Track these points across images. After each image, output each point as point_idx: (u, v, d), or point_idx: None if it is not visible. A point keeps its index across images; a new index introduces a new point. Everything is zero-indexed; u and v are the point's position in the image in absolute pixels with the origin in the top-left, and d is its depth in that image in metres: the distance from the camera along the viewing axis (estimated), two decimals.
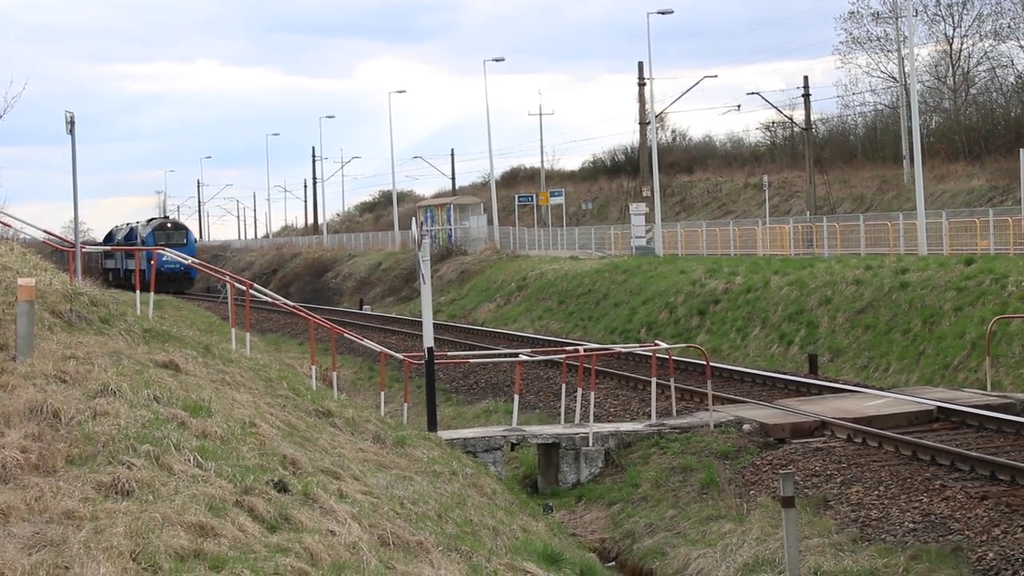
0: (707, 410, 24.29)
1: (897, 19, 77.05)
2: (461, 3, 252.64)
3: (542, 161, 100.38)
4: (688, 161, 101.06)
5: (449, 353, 34.08)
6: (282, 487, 11.07)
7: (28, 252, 25.04)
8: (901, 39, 76.76)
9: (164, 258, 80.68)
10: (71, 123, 23.38)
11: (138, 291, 24.94)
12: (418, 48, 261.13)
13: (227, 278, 29.04)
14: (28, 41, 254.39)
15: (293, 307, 27.95)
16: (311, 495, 11.22)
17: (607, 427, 24.29)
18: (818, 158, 74.42)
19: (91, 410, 11.62)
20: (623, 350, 32.41)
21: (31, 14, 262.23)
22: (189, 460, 10.87)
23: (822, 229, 54.39)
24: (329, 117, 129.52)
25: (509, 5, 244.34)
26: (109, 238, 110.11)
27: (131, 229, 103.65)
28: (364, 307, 69.10)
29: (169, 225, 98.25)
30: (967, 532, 16.33)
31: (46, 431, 10.81)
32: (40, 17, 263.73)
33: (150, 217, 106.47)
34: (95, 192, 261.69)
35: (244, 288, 26.46)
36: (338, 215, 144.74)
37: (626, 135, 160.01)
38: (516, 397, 24.83)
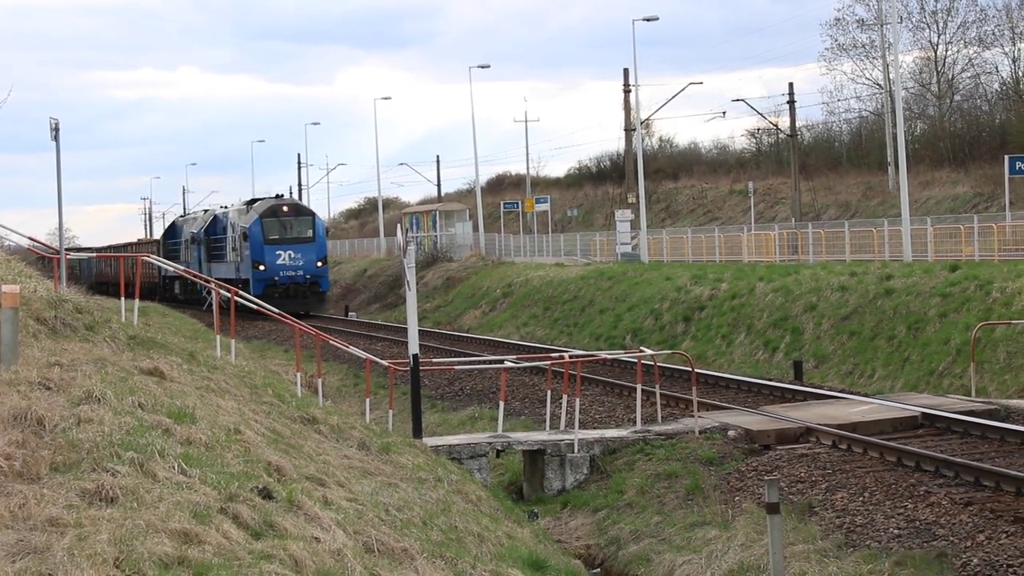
0: (692, 416, 24.28)
1: (882, 26, 77.33)
2: (442, 11, 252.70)
3: (527, 168, 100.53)
4: (673, 168, 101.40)
5: (434, 360, 34.05)
6: (267, 494, 11.06)
7: (13, 259, 25.02)
8: (886, 46, 77.03)
9: (279, 261, 60.97)
10: (56, 130, 23.30)
11: (123, 298, 24.87)
12: (400, 55, 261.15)
13: (212, 284, 28.98)
14: (11, 48, 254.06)
15: (278, 314, 27.89)
16: (296, 502, 11.21)
17: (592, 434, 24.27)
18: (803, 164, 74.65)
19: (75, 417, 11.59)
20: (608, 357, 32.35)
21: (14, 21, 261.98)
22: (173, 467, 10.85)
23: (807, 235, 54.51)
24: (314, 124, 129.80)
25: (490, 13, 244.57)
26: (171, 233, 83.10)
27: (215, 218, 71.46)
28: (350, 314, 68.82)
29: (286, 209, 63.76)
30: (952, 538, 16.35)
31: (30, 438, 10.78)
32: (23, 24, 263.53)
33: (251, 198, 71.06)
34: (80, 199, 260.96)
35: (229, 295, 26.42)
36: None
37: (611, 142, 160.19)
38: (501, 404, 24.81)
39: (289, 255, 61.41)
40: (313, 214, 65.18)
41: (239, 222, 64.74)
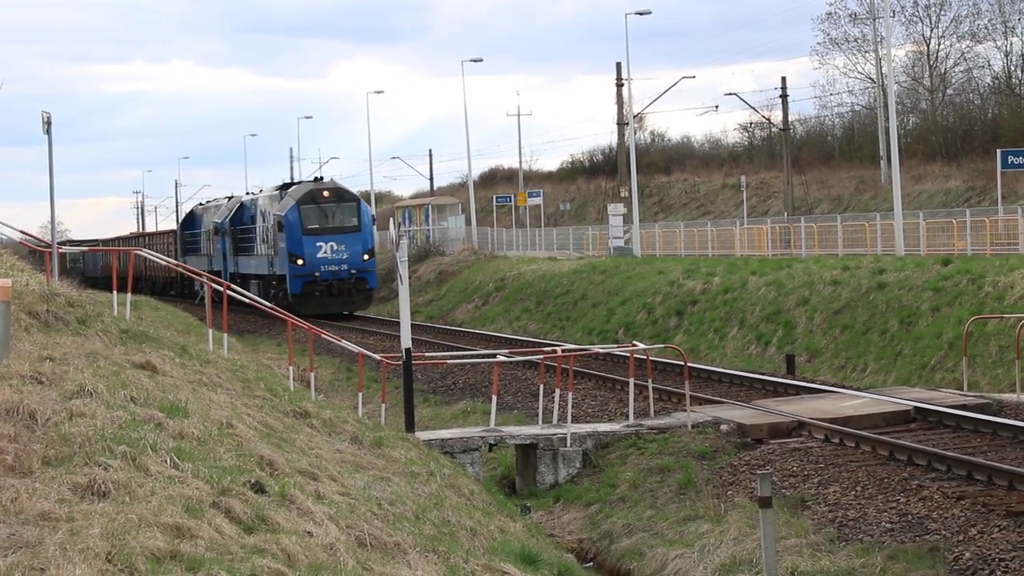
0: (685, 410, 24.29)
1: (874, 20, 77.24)
2: (433, 4, 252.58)
3: (520, 162, 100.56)
4: (666, 162, 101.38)
5: (427, 354, 34.05)
6: (259, 488, 11.04)
7: (5, 252, 25.00)
8: (878, 40, 76.99)
9: (319, 254, 53.61)
10: (48, 123, 23.30)
11: (115, 291, 24.82)
12: (392, 49, 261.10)
13: (204, 278, 28.96)
14: (3, 41, 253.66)
15: (271, 308, 27.88)
16: (288, 496, 11.20)
17: (585, 428, 24.28)
18: (796, 158, 74.61)
19: (67, 411, 11.57)
20: (601, 351, 32.42)
21: (4, 14, 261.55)
22: (166, 461, 10.84)
23: (800, 229, 54.52)
24: (307, 118, 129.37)
25: (481, 6, 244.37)
26: (190, 223, 74.64)
27: (241, 205, 63.49)
28: None
29: (326, 194, 55.32)
30: (944, 532, 16.37)
31: (22, 432, 10.76)
32: (14, 17, 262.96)
33: (284, 182, 62.55)
34: (72, 193, 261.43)
35: (221, 289, 26.39)
36: None
37: (604, 136, 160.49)
38: (494, 398, 24.80)
39: (331, 247, 53.73)
40: (358, 200, 56.87)
41: (271, 210, 56.70)
